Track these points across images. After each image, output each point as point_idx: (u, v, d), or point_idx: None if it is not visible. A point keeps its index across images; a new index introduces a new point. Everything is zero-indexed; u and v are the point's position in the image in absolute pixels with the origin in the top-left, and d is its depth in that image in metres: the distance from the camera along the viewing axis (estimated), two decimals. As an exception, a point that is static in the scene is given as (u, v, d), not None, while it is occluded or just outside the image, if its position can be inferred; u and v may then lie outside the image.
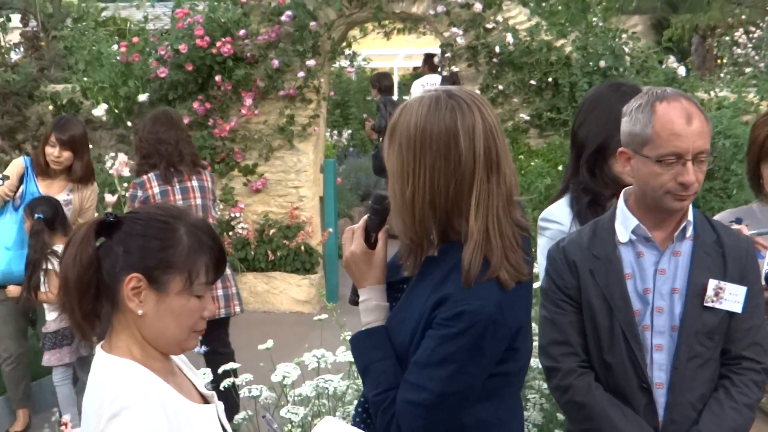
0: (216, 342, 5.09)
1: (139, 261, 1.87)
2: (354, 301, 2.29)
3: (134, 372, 1.86)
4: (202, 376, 2.19)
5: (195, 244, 1.91)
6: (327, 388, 3.60)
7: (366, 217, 2.21)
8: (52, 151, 5.14)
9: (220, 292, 5.31)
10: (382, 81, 12.00)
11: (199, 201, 5.50)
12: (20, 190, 5.09)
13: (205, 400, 2.07)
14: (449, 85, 11.18)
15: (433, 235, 2.15)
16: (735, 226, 2.81)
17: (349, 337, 2.54)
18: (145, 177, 5.44)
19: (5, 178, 5.20)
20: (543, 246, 3.03)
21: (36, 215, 5.00)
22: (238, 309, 5.56)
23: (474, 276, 2.03)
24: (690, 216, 2.51)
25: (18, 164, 5.09)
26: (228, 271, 5.43)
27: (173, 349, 1.97)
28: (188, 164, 5.48)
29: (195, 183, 5.53)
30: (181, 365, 2.08)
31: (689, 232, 2.51)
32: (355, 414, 2.37)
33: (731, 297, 2.45)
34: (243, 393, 3.60)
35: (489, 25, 8.12)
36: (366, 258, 2.21)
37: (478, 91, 8.22)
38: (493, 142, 2.06)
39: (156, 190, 5.41)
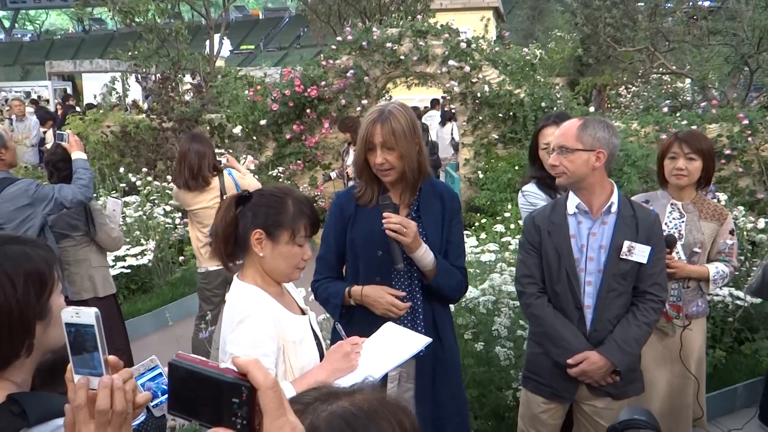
0: None
1: (261, 221, 1.78)
2: (402, 267, 2.21)
3: (255, 293, 1.79)
4: (301, 295, 2.04)
5: (298, 211, 1.78)
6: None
7: (390, 214, 2.15)
8: None
9: None
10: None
11: None
12: None
13: (303, 312, 1.91)
14: (448, 117, 11.04)
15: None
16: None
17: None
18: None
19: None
20: (523, 210, 2.97)
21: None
22: None
23: None
24: (614, 198, 2.37)
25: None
26: None
27: (283, 278, 1.86)
28: None
29: None
30: (289, 288, 1.94)
31: (614, 208, 2.36)
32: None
33: (639, 252, 2.31)
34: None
35: (474, 80, 7.89)
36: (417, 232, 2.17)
37: (465, 122, 8.03)
38: None
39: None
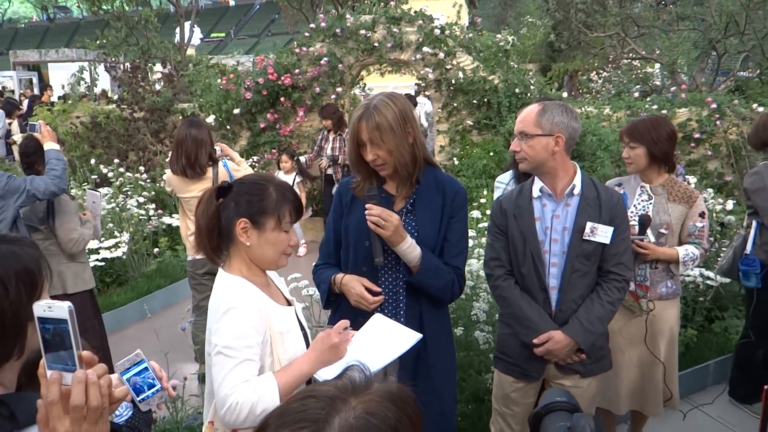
0: None
1: (244, 210, 1.76)
2: (381, 261, 2.14)
3: (241, 284, 1.76)
4: (286, 285, 2.04)
5: (281, 196, 1.77)
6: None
7: (371, 206, 2.09)
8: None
9: None
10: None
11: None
12: None
13: (289, 303, 1.91)
14: (413, 103, 11.03)
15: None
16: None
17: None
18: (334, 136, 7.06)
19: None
20: (495, 196, 2.95)
21: None
22: None
23: None
24: (577, 180, 2.38)
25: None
26: None
27: (270, 266, 1.84)
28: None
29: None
30: (274, 279, 1.93)
31: (576, 190, 2.37)
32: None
33: (602, 233, 2.32)
34: (303, 292, 3.44)
35: (448, 67, 7.88)
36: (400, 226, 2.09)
37: (440, 109, 8.04)
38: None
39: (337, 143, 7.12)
